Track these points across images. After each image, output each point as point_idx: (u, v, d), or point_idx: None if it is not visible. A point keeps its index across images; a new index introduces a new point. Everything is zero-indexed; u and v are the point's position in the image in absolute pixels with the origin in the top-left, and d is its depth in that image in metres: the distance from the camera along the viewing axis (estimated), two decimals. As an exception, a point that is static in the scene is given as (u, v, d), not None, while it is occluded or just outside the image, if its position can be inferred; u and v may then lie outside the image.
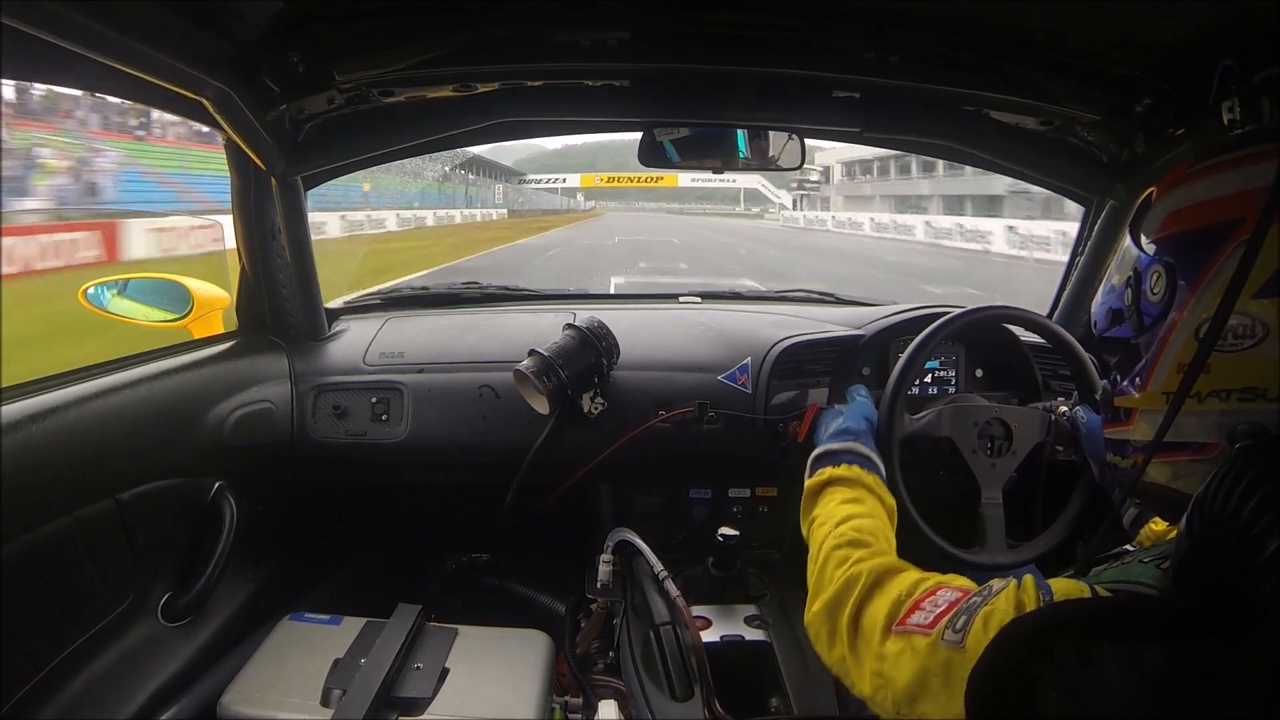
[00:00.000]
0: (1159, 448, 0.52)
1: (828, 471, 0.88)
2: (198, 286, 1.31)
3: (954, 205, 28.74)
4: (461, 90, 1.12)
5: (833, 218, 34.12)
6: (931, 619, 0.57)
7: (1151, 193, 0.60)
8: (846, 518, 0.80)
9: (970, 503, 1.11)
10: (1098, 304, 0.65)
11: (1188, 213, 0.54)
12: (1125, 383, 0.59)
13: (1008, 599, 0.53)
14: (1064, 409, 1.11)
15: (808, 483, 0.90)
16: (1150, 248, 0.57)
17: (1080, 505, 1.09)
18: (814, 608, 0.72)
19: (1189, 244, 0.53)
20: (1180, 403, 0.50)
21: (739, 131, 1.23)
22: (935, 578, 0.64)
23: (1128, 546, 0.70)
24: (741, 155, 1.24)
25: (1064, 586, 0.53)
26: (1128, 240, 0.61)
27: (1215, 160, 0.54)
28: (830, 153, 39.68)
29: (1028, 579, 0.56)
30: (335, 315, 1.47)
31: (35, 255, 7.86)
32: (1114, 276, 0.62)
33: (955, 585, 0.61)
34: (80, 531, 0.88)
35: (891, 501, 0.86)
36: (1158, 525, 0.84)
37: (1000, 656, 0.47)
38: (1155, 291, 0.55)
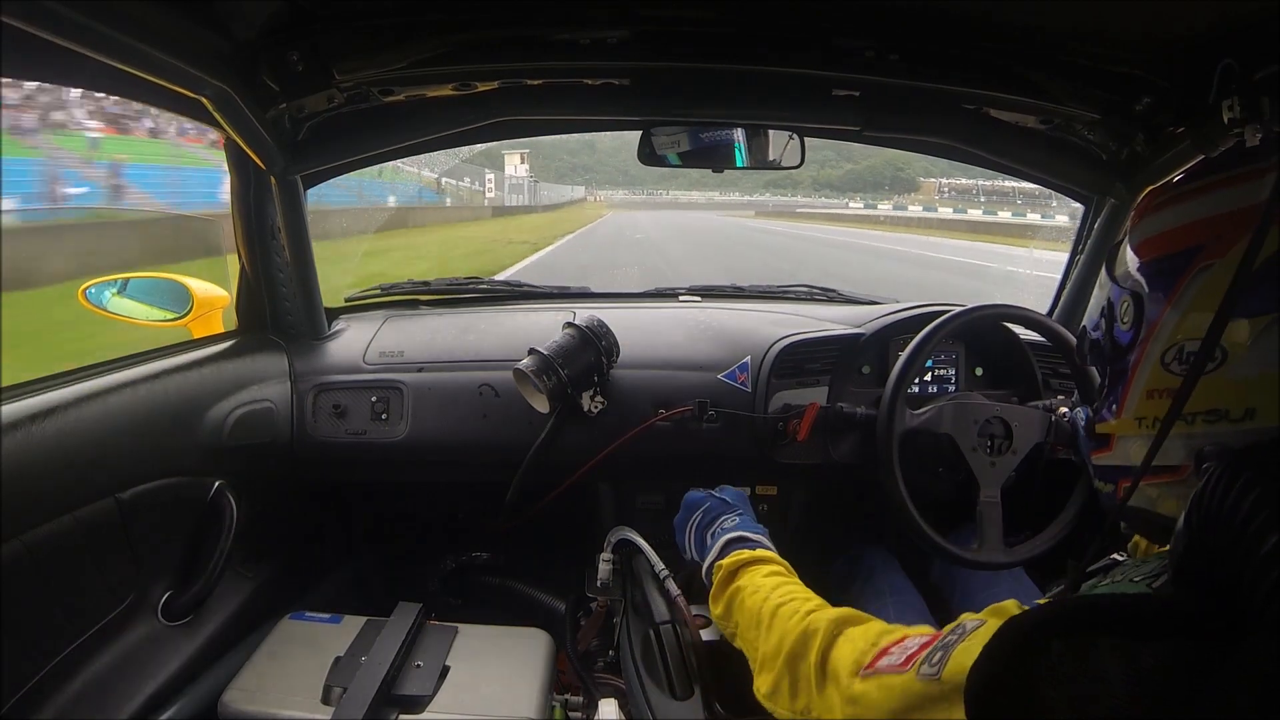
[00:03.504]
0: (1140, 472, 0.53)
1: (745, 553, 0.86)
2: (197, 286, 1.31)
3: None
4: (461, 89, 1.12)
5: None
6: (903, 659, 0.56)
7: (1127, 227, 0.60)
8: (779, 585, 0.79)
9: (969, 501, 1.11)
10: (1081, 333, 0.66)
11: (1155, 241, 0.55)
12: (1104, 410, 0.60)
13: (989, 631, 0.52)
14: (1064, 410, 1.11)
15: (723, 562, 0.86)
16: (1122, 277, 0.58)
17: (1079, 507, 1.09)
18: (771, 666, 0.71)
19: (1155, 272, 0.54)
20: (1169, 427, 0.50)
21: (735, 141, 1.24)
22: (901, 629, 0.64)
23: (1116, 556, 0.70)
24: (740, 163, 1.25)
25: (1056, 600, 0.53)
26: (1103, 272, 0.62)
27: (1181, 189, 0.55)
28: None
29: (1010, 603, 0.56)
30: (335, 314, 1.47)
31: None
32: (1092, 307, 0.63)
33: (920, 632, 0.61)
34: (80, 531, 0.88)
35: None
36: None
37: (998, 656, 0.47)
38: (1125, 320, 0.56)
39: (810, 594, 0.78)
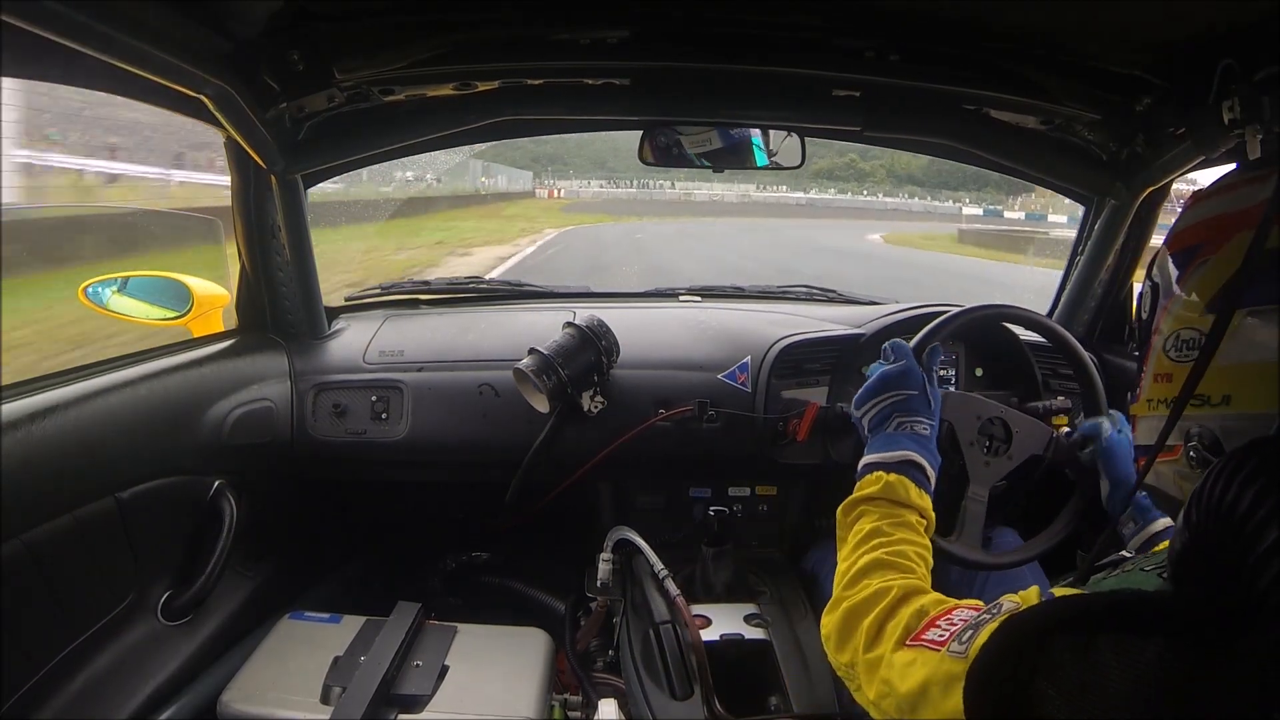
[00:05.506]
0: (1155, 450, 0.58)
1: (880, 478, 0.82)
2: (198, 284, 1.31)
3: None
4: (462, 89, 1.12)
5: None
6: (945, 636, 0.59)
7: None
8: (900, 540, 0.77)
9: (956, 492, 1.10)
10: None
11: (1173, 240, 0.61)
12: (1132, 394, 0.65)
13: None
14: (1066, 429, 1.10)
15: (890, 477, 0.82)
16: (1151, 271, 0.64)
17: (1066, 524, 1.07)
18: (835, 611, 0.72)
19: (1168, 267, 0.60)
20: (1180, 410, 0.54)
21: (754, 138, 1.24)
22: (955, 602, 0.65)
23: (1124, 553, 0.71)
24: (761, 163, 1.25)
25: (1063, 595, 0.54)
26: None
27: (1202, 193, 0.60)
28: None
29: (1033, 590, 0.59)
30: (335, 313, 1.47)
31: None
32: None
33: (970, 606, 0.63)
34: (80, 531, 0.88)
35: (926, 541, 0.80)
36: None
37: (999, 652, 0.47)
38: (1144, 311, 0.63)
39: (916, 559, 0.76)
